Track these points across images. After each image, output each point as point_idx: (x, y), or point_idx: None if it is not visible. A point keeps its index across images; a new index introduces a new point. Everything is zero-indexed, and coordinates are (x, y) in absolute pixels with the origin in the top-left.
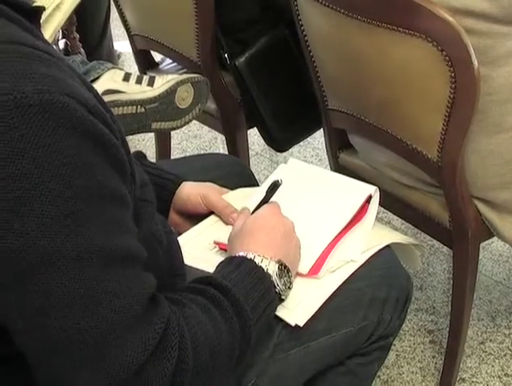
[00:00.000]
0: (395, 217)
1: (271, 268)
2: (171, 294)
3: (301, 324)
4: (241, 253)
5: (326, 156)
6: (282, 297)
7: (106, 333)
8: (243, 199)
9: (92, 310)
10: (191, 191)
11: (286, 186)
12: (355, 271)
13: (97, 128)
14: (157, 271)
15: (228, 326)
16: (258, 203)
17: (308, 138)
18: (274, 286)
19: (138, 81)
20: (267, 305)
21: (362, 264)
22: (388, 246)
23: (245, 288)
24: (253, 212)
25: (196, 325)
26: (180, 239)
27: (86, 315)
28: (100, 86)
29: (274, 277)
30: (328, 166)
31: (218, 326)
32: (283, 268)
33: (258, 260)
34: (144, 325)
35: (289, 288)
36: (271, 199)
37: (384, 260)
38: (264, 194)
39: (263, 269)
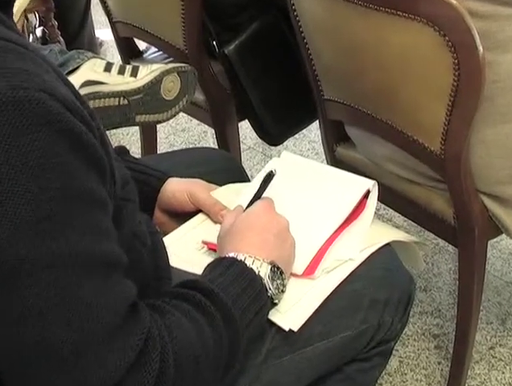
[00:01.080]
0: (397, 214)
1: (263, 270)
2: (153, 300)
3: (295, 329)
4: (231, 254)
5: (323, 149)
6: (275, 301)
7: (83, 344)
8: (233, 195)
9: (67, 321)
10: (177, 188)
11: (278, 181)
12: (353, 271)
13: (75, 126)
14: (141, 274)
15: (214, 333)
16: (250, 198)
17: (304, 131)
18: (266, 290)
19: (121, 71)
20: (259, 310)
21: (361, 264)
22: (388, 244)
23: (235, 292)
24: (245, 209)
25: (179, 334)
26: (166, 239)
27: (61, 326)
28: (79, 77)
29: (266, 280)
30: (325, 160)
31: (204, 334)
32: (276, 270)
33: (248, 262)
34: (123, 336)
35: (282, 291)
36: (264, 193)
37: (384, 260)
38: (257, 188)
39: (254, 271)
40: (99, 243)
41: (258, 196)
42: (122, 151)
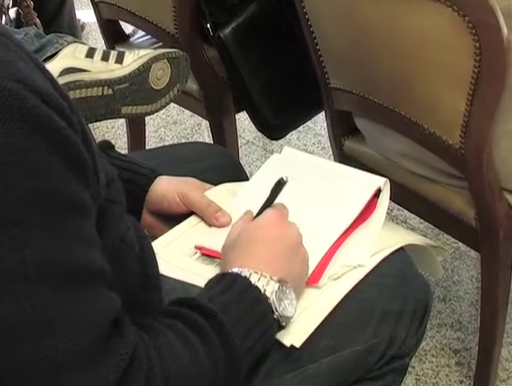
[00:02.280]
0: (412, 215)
1: (270, 289)
2: (143, 318)
3: (297, 345)
4: (235, 270)
5: (329, 144)
6: (282, 323)
7: (58, 366)
8: (229, 196)
9: (41, 339)
10: (167, 187)
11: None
12: (363, 279)
13: (52, 120)
14: (127, 284)
15: (211, 358)
16: (248, 200)
17: (309, 123)
18: (272, 311)
19: (105, 58)
20: (262, 334)
21: (371, 271)
22: (402, 249)
23: (236, 312)
24: (255, 217)
25: (169, 357)
26: (155, 244)
27: (34, 344)
28: (58, 64)
29: (273, 300)
30: (332, 156)
31: (198, 359)
32: (285, 289)
33: (254, 279)
34: (104, 356)
35: (291, 312)
36: (260, 195)
37: (397, 266)
38: (258, 189)
39: (260, 290)
40: (79, 251)
41: (268, 204)
42: (107, 146)
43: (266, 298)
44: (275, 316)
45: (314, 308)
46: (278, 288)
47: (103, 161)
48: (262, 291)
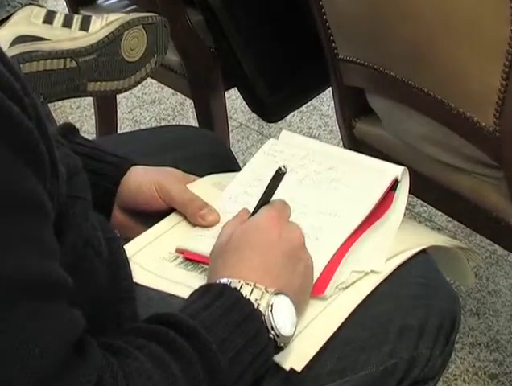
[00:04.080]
0: (438, 212)
1: (264, 303)
2: (111, 339)
3: (299, 368)
4: (223, 280)
5: (337, 126)
6: (280, 344)
7: None
8: (217, 189)
9: None
10: (142, 179)
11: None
12: (377, 287)
13: (3, 105)
14: (94, 295)
15: (191, 385)
16: (255, 200)
17: (314, 102)
18: (268, 330)
19: (67, 23)
20: (255, 357)
21: (387, 278)
22: (425, 251)
23: (223, 331)
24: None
25: (140, 382)
26: (128, 247)
27: None
28: (10, 31)
29: (268, 316)
30: (341, 141)
31: (175, 385)
32: (283, 304)
33: (245, 291)
34: (62, 384)
35: (290, 331)
36: (252, 186)
37: (419, 272)
38: (252, 182)
39: (252, 304)
40: (35, 260)
41: (265, 200)
42: (69, 130)
43: (260, 314)
44: (271, 335)
45: (318, 324)
46: (275, 301)
47: (63, 150)
48: (255, 306)
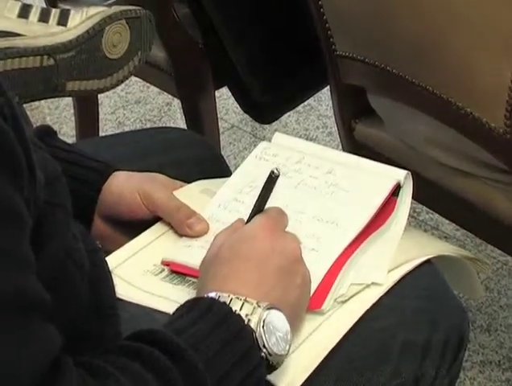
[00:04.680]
0: (445, 220)
1: (255, 319)
2: (90, 359)
3: None
4: (212, 294)
5: (336, 128)
6: (273, 363)
7: None
8: (206, 196)
9: None
10: (125, 185)
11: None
12: (378, 301)
13: None
14: (75, 313)
15: None
16: (248, 208)
17: (311, 101)
18: (260, 348)
19: (44, 18)
20: (246, 377)
21: (389, 291)
22: (430, 262)
23: (211, 350)
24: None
25: None
26: (110, 259)
27: None
28: None
29: (260, 332)
30: (340, 144)
31: None
32: (276, 319)
33: (235, 306)
34: None
35: (284, 349)
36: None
37: (424, 284)
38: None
39: (243, 320)
40: (9, 275)
41: (259, 207)
42: (47, 133)
43: (251, 331)
44: (263, 354)
45: (315, 340)
46: (268, 317)
47: (41, 154)
48: (246, 321)
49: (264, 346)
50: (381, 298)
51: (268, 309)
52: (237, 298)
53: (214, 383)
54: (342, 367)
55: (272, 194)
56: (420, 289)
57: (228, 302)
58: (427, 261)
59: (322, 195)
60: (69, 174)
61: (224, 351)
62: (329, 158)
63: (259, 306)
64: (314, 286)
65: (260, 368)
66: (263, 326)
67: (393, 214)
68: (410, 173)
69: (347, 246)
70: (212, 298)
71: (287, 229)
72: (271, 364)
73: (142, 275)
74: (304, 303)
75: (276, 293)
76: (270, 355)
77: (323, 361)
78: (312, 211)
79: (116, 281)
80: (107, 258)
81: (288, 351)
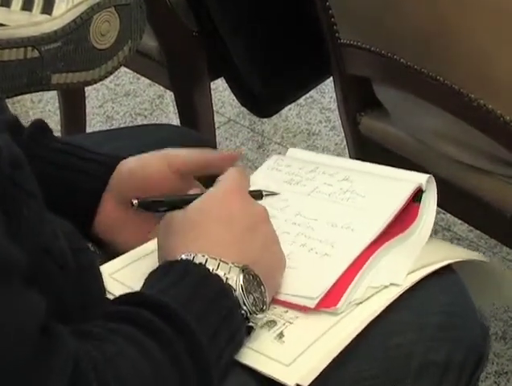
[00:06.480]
0: (457, 220)
1: (233, 278)
2: (81, 326)
3: (305, 384)
4: (184, 256)
5: (340, 121)
6: (251, 323)
7: None
8: None
9: None
10: (146, 163)
11: (287, 189)
12: (397, 318)
13: None
14: (56, 311)
15: (176, 370)
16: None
17: (313, 94)
18: (239, 305)
19: (27, 6)
20: (231, 335)
21: (410, 305)
22: (453, 270)
23: (199, 308)
24: None
25: (125, 368)
26: (109, 266)
27: None
28: None
29: (239, 292)
30: (344, 138)
31: (162, 373)
32: (252, 279)
33: (212, 266)
34: (36, 376)
35: (262, 310)
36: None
37: (446, 298)
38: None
39: (221, 279)
40: None
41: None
42: (41, 129)
43: (232, 290)
44: (243, 311)
45: (327, 339)
46: (244, 277)
47: (3, 136)
48: (224, 280)
49: (244, 303)
50: (399, 312)
51: (243, 269)
52: (213, 258)
53: (206, 343)
54: (355, 384)
55: (284, 202)
56: (442, 303)
57: (204, 263)
58: (451, 271)
59: (337, 202)
60: (70, 169)
61: (210, 310)
62: (345, 166)
63: (235, 266)
64: (326, 287)
65: (241, 328)
66: (241, 286)
67: (416, 220)
68: (432, 176)
69: (363, 250)
70: (187, 260)
71: (297, 239)
72: (249, 324)
73: (141, 279)
74: (276, 265)
75: (249, 253)
76: (249, 312)
77: (334, 379)
78: (326, 217)
79: (113, 284)
80: (106, 265)
81: (264, 310)
